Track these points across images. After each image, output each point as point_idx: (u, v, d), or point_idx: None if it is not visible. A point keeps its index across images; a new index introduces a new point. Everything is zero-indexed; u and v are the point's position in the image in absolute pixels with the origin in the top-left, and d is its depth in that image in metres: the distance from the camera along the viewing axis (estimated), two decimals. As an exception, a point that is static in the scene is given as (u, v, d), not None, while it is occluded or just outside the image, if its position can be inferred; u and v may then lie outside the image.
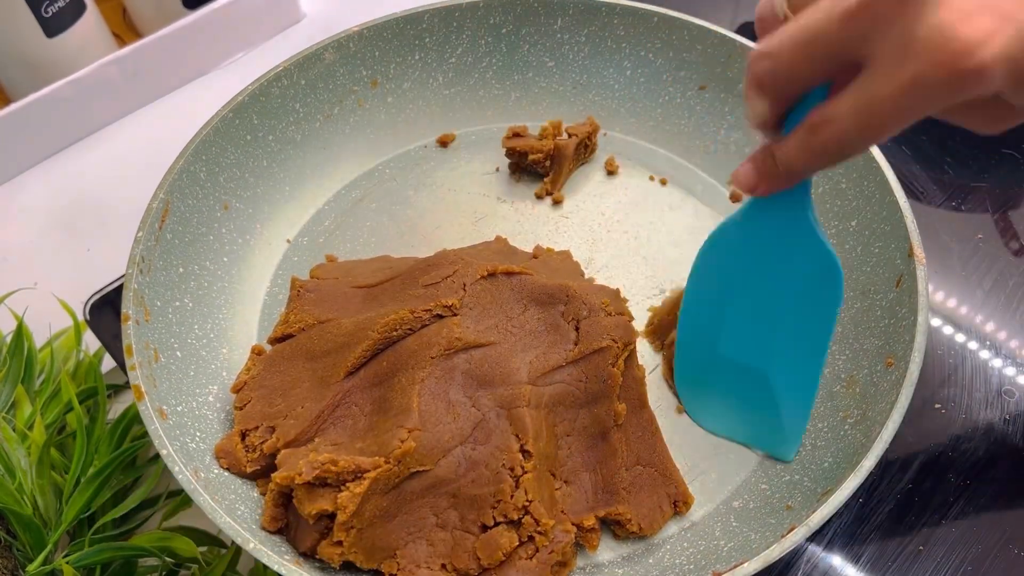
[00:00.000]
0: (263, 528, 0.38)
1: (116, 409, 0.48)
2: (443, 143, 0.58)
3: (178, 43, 0.66)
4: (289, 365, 0.42)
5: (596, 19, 0.57)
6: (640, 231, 0.54)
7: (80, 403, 0.45)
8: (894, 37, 0.28)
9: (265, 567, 0.37)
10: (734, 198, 0.55)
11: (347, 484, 0.36)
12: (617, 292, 0.44)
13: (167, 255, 0.45)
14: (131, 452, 0.44)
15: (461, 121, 0.59)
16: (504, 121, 0.59)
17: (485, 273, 0.43)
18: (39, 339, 0.49)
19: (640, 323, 0.48)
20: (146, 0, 0.69)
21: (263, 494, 0.39)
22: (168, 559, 0.42)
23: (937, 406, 0.49)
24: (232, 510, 0.37)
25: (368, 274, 0.47)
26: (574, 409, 0.41)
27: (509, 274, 0.43)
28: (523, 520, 0.37)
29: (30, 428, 0.44)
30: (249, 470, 0.40)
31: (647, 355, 0.48)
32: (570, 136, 0.55)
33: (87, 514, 0.42)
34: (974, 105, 0.30)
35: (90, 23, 0.65)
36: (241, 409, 0.41)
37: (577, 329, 0.41)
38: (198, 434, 0.41)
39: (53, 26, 0.61)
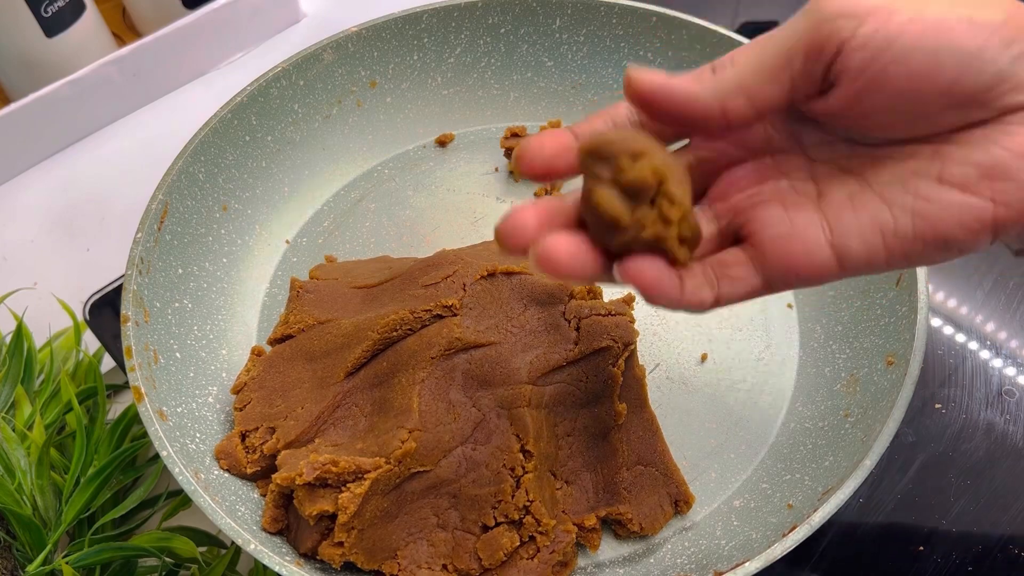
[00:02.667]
0: (264, 529, 0.38)
1: (116, 409, 0.48)
2: (442, 143, 0.58)
3: (178, 43, 0.65)
4: (289, 366, 0.42)
5: (595, 18, 0.57)
6: (640, 231, 0.53)
7: (80, 403, 0.45)
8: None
9: (265, 568, 0.37)
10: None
11: (348, 485, 0.36)
12: (630, 298, 0.44)
13: (166, 256, 0.45)
14: (131, 452, 0.44)
15: (460, 121, 0.59)
16: (503, 121, 0.59)
17: (485, 273, 0.43)
18: (39, 339, 0.49)
19: (641, 323, 0.48)
20: (146, 0, 0.69)
21: (263, 495, 0.39)
22: (168, 559, 0.42)
23: (938, 406, 0.49)
24: (232, 511, 0.37)
25: (367, 274, 0.47)
26: (575, 409, 0.41)
27: (509, 274, 0.43)
28: (524, 520, 0.37)
29: (30, 428, 0.44)
30: (249, 471, 0.40)
31: (647, 355, 0.48)
32: (570, 136, 0.55)
33: (87, 514, 0.42)
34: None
35: (90, 23, 0.65)
36: (241, 410, 0.41)
37: (577, 329, 0.41)
38: (198, 435, 0.41)
39: (53, 26, 0.61)
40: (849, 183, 0.28)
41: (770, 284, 0.28)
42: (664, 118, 0.27)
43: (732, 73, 0.26)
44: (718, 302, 0.28)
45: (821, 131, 0.29)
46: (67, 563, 0.39)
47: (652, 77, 0.26)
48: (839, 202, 0.28)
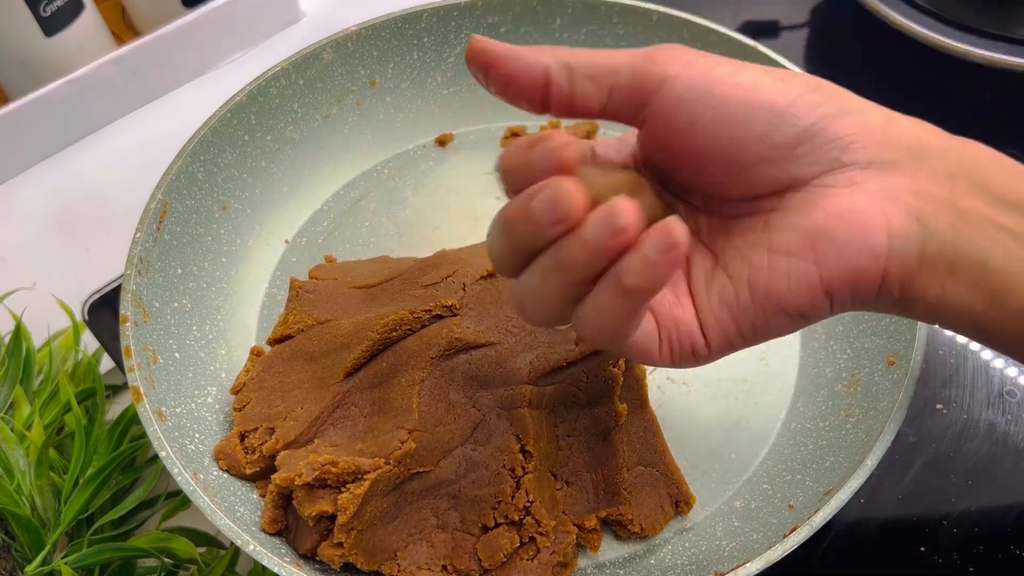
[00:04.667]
0: (263, 530, 0.38)
1: (115, 410, 0.48)
2: (441, 143, 0.58)
3: (177, 42, 0.65)
4: (288, 366, 0.42)
5: (595, 18, 0.56)
6: (640, 230, 0.53)
7: (79, 403, 0.45)
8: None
9: (264, 569, 0.37)
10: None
11: (347, 485, 0.36)
12: None
13: (165, 256, 0.45)
14: (130, 453, 0.44)
15: (459, 121, 0.59)
16: (502, 121, 0.59)
17: (485, 273, 0.42)
18: (37, 339, 0.49)
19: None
20: (144, -1, 0.69)
21: (263, 496, 0.39)
22: (167, 560, 0.41)
23: (939, 406, 0.48)
24: (232, 512, 0.37)
25: (367, 274, 0.46)
26: (575, 409, 0.40)
27: (509, 274, 0.43)
28: (524, 521, 0.37)
29: (28, 428, 0.44)
30: (248, 472, 0.39)
31: (647, 355, 0.47)
32: (570, 135, 0.55)
33: (86, 515, 0.42)
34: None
35: (89, 22, 0.65)
36: (240, 410, 0.41)
37: (577, 329, 0.41)
38: (197, 436, 0.41)
39: (51, 25, 0.61)
40: (705, 261, 0.30)
41: (667, 347, 0.29)
42: (498, 77, 0.28)
43: (570, 55, 0.28)
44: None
45: (683, 202, 0.31)
46: (66, 564, 0.39)
47: (495, 43, 0.28)
48: (697, 281, 0.29)
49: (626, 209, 0.24)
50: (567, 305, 0.27)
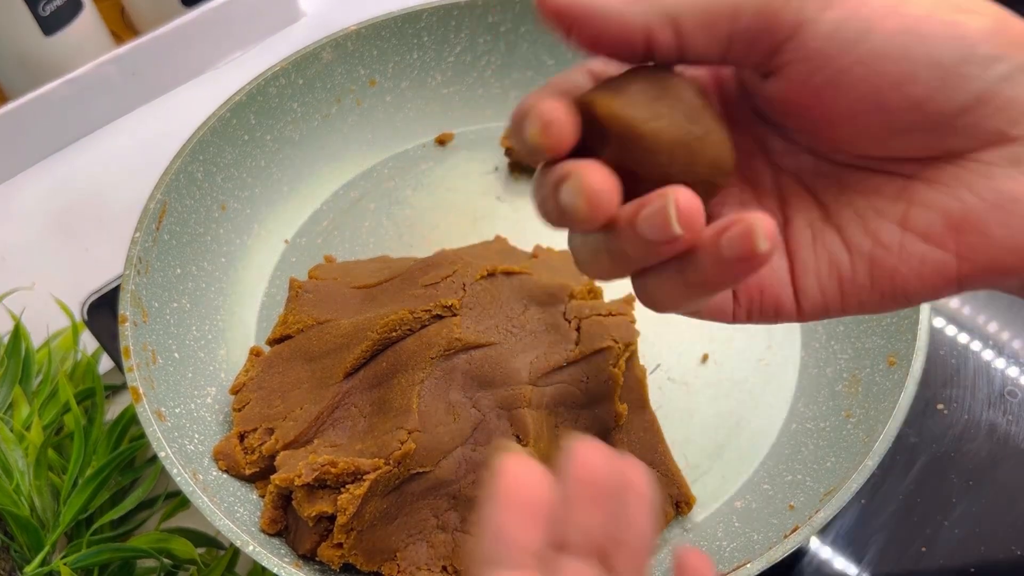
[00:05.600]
0: (262, 530, 0.38)
1: (114, 410, 0.48)
2: (441, 142, 0.58)
3: (176, 41, 0.65)
4: (288, 366, 0.42)
5: (596, 17, 0.56)
6: (640, 230, 0.53)
7: (78, 404, 0.45)
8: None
9: (263, 569, 0.37)
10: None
11: (347, 486, 0.36)
12: (631, 298, 0.44)
13: (164, 256, 0.45)
14: (129, 453, 0.44)
15: (459, 120, 0.59)
16: (503, 120, 0.59)
17: (485, 273, 0.42)
18: (37, 339, 0.49)
19: (641, 323, 0.48)
20: (144, -1, 0.69)
21: (262, 496, 0.39)
22: (166, 560, 0.41)
23: (940, 406, 0.48)
24: (231, 512, 0.37)
25: (367, 274, 0.46)
26: (575, 410, 0.40)
27: (509, 274, 0.43)
28: (524, 522, 0.37)
29: (27, 429, 0.44)
30: (248, 472, 0.39)
31: (648, 355, 0.47)
32: (570, 135, 0.55)
33: (85, 515, 0.42)
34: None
35: (88, 21, 0.65)
36: (240, 411, 0.41)
37: (578, 329, 0.41)
38: (196, 436, 0.41)
39: (51, 24, 0.61)
40: (812, 210, 0.25)
41: (744, 308, 0.25)
42: (582, 37, 0.23)
43: (670, 2, 0.22)
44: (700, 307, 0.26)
45: (784, 138, 0.26)
46: (65, 564, 0.39)
47: None
48: (800, 232, 0.25)
49: (687, 211, 0.20)
50: (620, 274, 0.24)
